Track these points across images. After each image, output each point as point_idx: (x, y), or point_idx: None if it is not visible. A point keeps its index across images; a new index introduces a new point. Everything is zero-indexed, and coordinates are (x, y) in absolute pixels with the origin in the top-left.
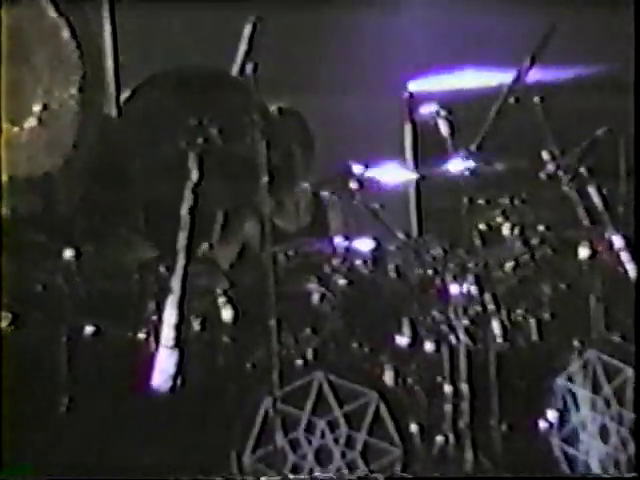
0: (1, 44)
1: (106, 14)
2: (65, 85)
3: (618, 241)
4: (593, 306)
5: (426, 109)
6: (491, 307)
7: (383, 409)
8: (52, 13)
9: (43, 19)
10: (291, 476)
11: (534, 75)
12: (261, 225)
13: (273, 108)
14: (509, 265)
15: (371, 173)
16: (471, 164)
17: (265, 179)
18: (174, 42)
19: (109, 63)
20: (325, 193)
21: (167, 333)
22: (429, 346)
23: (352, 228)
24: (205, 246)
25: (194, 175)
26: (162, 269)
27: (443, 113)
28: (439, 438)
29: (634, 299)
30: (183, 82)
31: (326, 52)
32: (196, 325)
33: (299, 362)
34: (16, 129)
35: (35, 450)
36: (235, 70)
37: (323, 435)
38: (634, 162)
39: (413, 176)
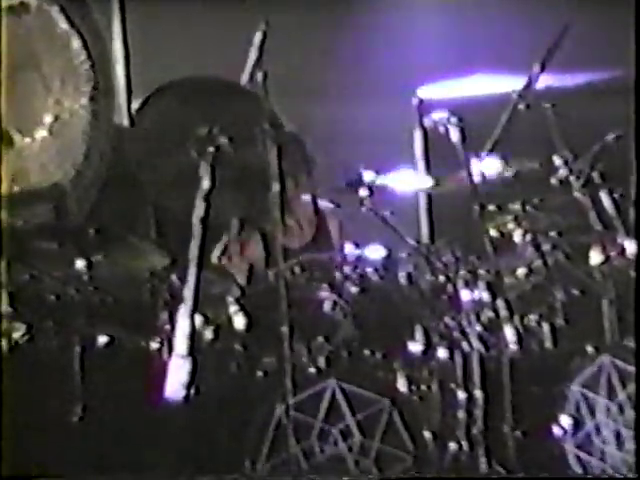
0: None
1: (117, 24)
2: (76, 95)
3: (630, 246)
4: (606, 311)
5: (436, 115)
6: (504, 313)
7: (396, 416)
8: (63, 23)
9: (54, 29)
10: None
11: (545, 81)
12: (264, 244)
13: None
14: (521, 271)
15: (381, 180)
16: (482, 170)
17: (277, 187)
18: (184, 51)
19: (120, 73)
20: (326, 205)
21: (180, 342)
22: (442, 353)
23: (360, 236)
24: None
25: (205, 184)
26: (174, 278)
27: (454, 119)
28: (452, 445)
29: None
30: (193, 91)
31: (336, 58)
32: (208, 334)
33: (312, 370)
34: (27, 140)
35: (48, 459)
36: (245, 79)
37: (336, 443)
38: (635, 163)
39: (424, 183)
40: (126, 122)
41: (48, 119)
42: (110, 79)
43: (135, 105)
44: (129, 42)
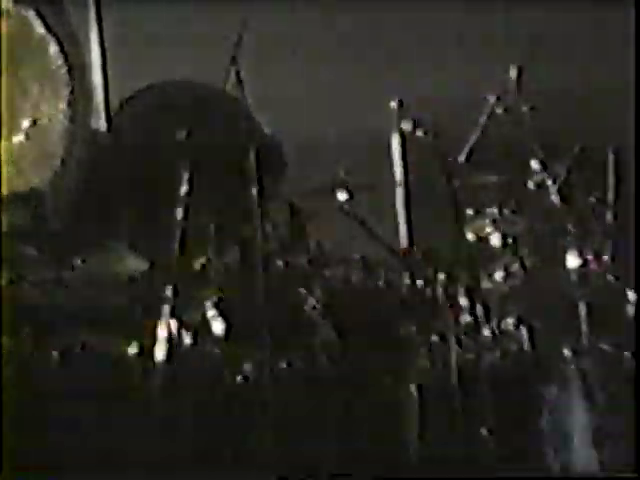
0: None
1: (94, 28)
2: (54, 100)
3: (607, 250)
4: (583, 315)
5: (414, 119)
6: (482, 317)
7: None
8: (39, 28)
9: (30, 34)
10: None
11: (523, 84)
12: (241, 250)
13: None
14: (499, 275)
15: (359, 183)
16: (459, 174)
17: (255, 190)
18: (162, 55)
19: (97, 77)
20: (304, 207)
21: (158, 347)
22: (420, 357)
23: (338, 240)
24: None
25: (184, 188)
26: (153, 283)
27: (430, 123)
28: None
29: (634, 313)
30: (172, 95)
31: (313, 61)
32: (187, 339)
33: None
34: (5, 144)
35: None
36: (223, 82)
37: None
38: (634, 167)
39: (401, 186)
40: (104, 126)
41: (25, 124)
42: (88, 83)
43: (113, 109)
44: (106, 46)
